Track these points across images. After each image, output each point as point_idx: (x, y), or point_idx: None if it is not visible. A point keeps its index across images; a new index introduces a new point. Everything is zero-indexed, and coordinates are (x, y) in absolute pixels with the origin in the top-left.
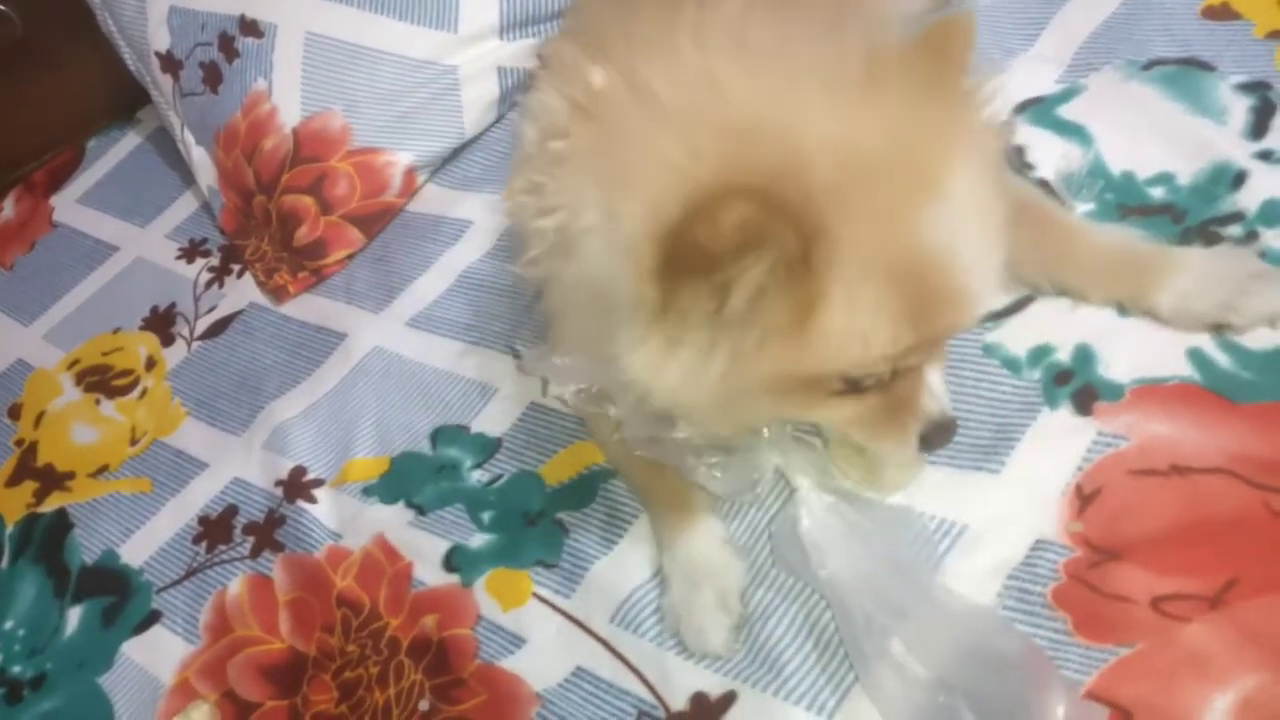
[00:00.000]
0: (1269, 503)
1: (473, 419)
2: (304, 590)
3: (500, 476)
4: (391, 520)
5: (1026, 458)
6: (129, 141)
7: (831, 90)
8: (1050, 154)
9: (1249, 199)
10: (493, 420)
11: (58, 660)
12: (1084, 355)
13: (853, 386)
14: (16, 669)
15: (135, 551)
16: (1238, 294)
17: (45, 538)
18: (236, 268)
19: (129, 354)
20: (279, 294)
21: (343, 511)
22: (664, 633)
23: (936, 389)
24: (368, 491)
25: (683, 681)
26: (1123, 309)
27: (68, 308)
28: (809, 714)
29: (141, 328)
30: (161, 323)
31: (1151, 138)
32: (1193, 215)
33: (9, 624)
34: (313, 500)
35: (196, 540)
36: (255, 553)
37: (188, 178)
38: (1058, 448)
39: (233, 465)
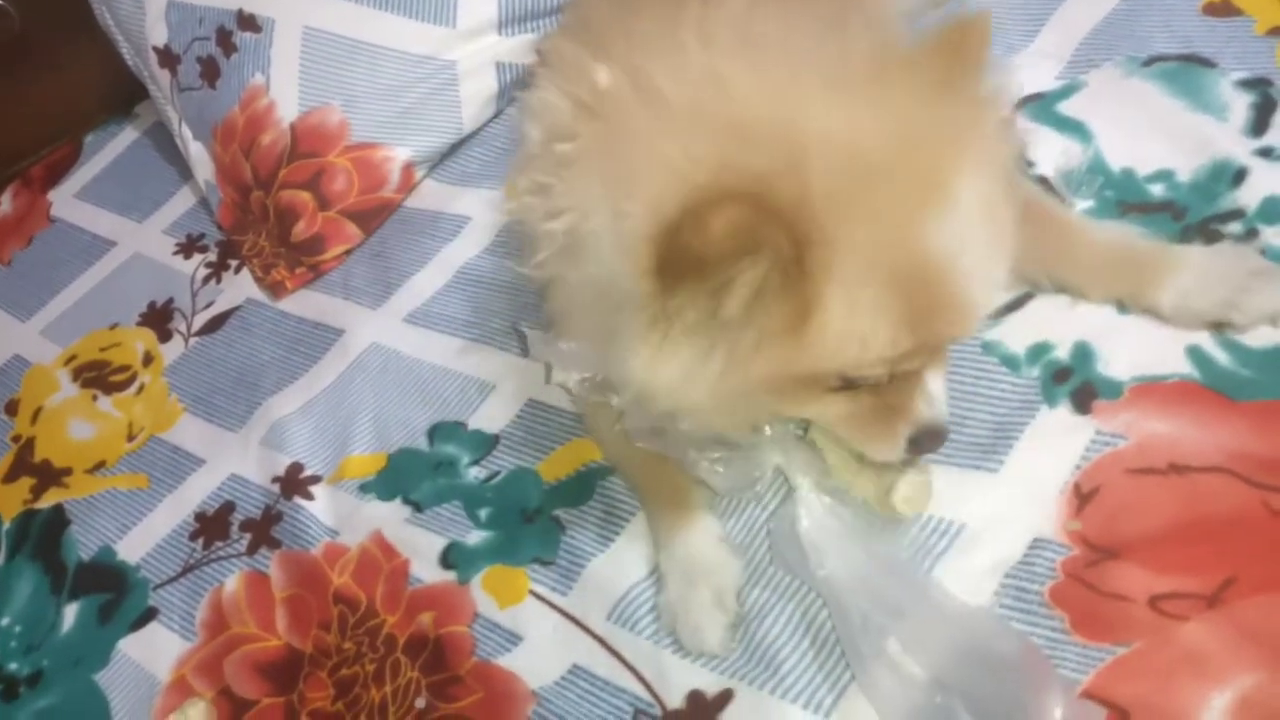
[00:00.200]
0: (1268, 501)
1: (470, 415)
2: (300, 587)
3: (498, 473)
4: (388, 517)
5: (1025, 456)
6: (127, 136)
7: (837, 88)
8: (1050, 150)
9: (1249, 196)
10: (490, 417)
11: (54, 657)
12: (1083, 353)
13: (849, 384)
14: (13, 666)
15: (132, 548)
16: (1239, 291)
17: (42, 534)
18: (234, 263)
19: (126, 350)
20: (276, 290)
21: (340, 508)
22: (660, 631)
23: (935, 394)
24: (365, 488)
25: (679, 679)
26: (1123, 306)
27: (65, 303)
28: (805, 712)
29: (139, 323)
30: (159, 318)
31: (1152, 134)
32: (1193, 212)
33: (5, 621)
34: (309, 497)
35: (193, 537)
36: (252, 549)
37: (185, 173)
38: (1056, 446)
39: (230, 462)
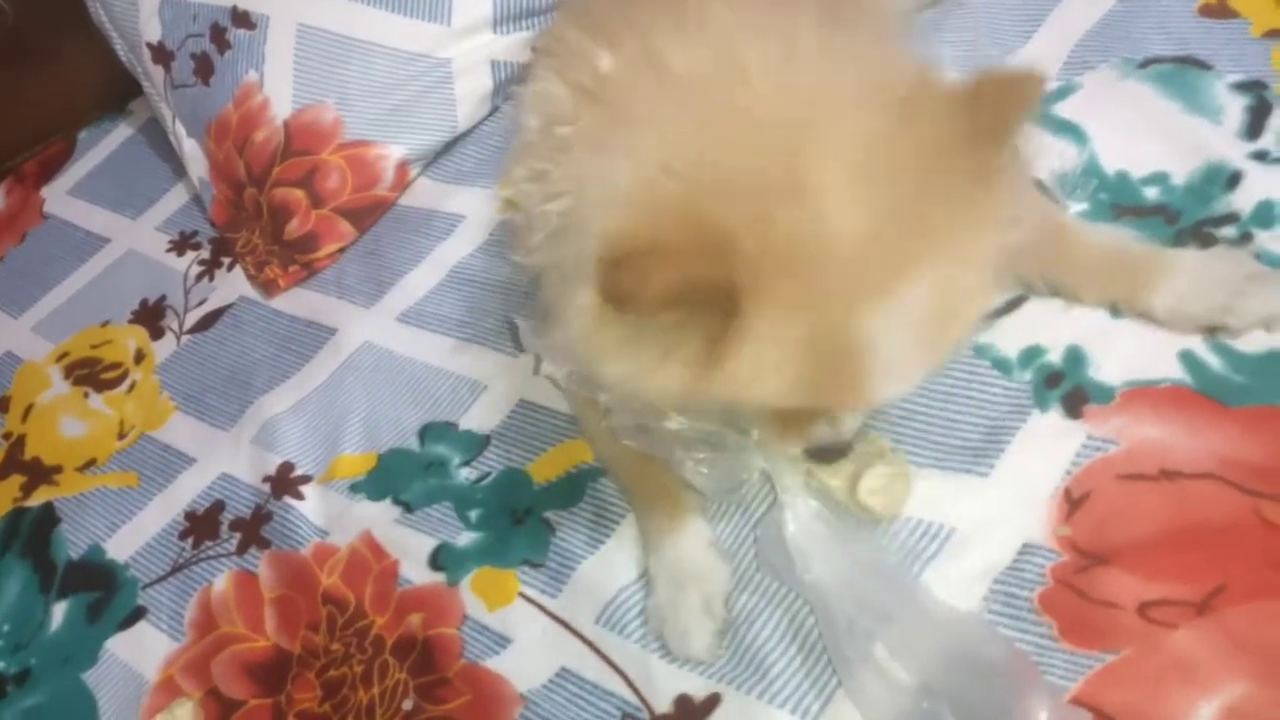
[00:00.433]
0: (1259, 509)
1: (462, 416)
2: (289, 588)
3: (488, 474)
4: (378, 517)
5: (1016, 461)
6: (121, 133)
7: (826, 155)
8: (1045, 152)
9: (1244, 200)
10: (482, 417)
11: (42, 656)
12: (1075, 357)
13: None
14: (1, 664)
15: (121, 546)
16: (1234, 296)
17: (32, 532)
18: (227, 261)
19: (118, 347)
20: (269, 288)
21: (330, 508)
22: (649, 635)
23: (845, 422)
24: (355, 488)
25: (667, 684)
26: (1116, 310)
27: (57, 300)
28: (793, 717)
29: (131, 321)
30: (151, 316)
31: (1147, 136)
32: (1187, 216)
33: None
34: (300, 497)
35: (183, 536)
36: (242, 549)
37: (179, 170)
38: (1047, 451)
39: (220, 460)
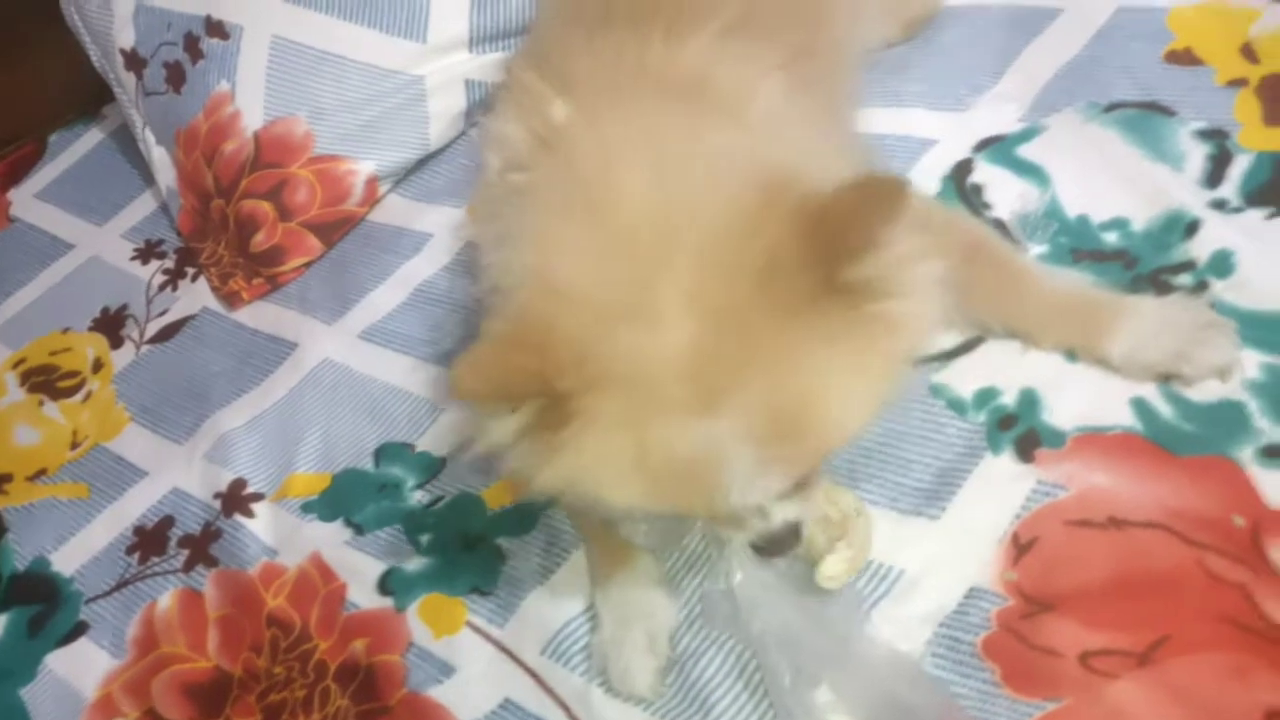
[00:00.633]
0: (1202, 560)
1: (419, 437)
2: (234, 607)
3: (441, 498)
4: (329, 539)
5: (967, 503)
6: (92, 137)
7: (683, 277)
8: (1007, 194)
9: (1200, 248)
10: (438, 439)
11: None
12: (1029, 400)
13: None
14: None
15: (67, 559)
16: (1190, 344)
17: None
18: (191, 271)
19: (76, 355)
20: (233, 300)
21: (280, 527)
22: (593, 669)
23: (773, 515)
24: (307, 508)
25: (610, 718)
26: (1072, 355)
27: (18, 305)
28: None
29: (91, 328)
30: (111, 324)
31: (1109, 181)
32: (1144, 263)
33: None
34: (250, 515)
35: (130, 551)
36: (188, 566)
37: (149, 177)
38: (998, 494)
39: (173, 474)
